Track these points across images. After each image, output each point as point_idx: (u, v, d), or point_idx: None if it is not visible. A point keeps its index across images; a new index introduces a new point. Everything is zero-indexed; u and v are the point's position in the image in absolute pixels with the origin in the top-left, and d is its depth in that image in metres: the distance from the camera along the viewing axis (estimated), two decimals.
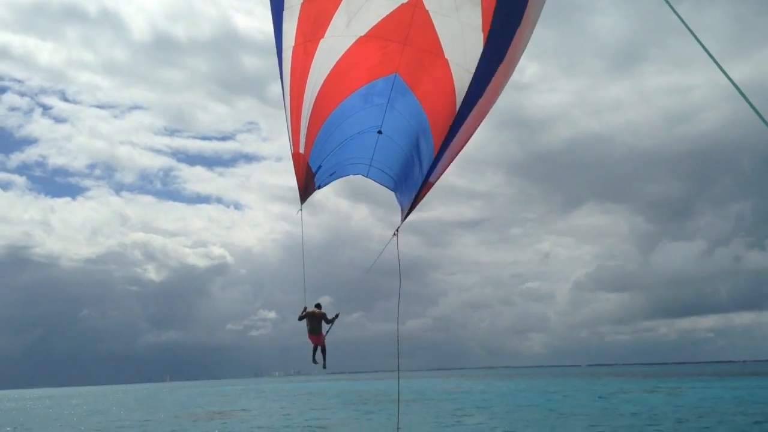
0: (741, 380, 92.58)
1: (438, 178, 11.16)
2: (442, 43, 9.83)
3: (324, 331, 14.33)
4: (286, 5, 9.97)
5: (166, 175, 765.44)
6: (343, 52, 10.23)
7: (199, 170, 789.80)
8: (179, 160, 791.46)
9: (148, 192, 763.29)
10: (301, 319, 14.38)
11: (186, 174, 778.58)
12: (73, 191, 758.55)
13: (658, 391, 65.12)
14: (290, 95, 10.71)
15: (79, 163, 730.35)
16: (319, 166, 11.94)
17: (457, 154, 11.06)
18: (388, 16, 9.73)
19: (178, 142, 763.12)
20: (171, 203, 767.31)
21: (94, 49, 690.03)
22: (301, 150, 11.32)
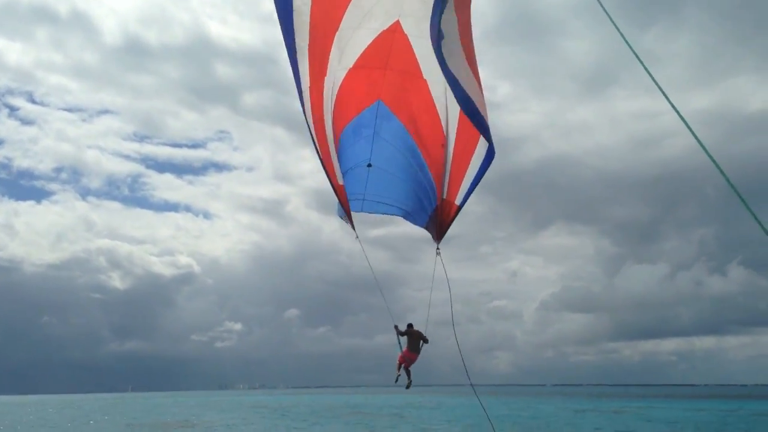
0: (702, 402, 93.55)
1: (458, 197, 11.14)
2: (420, 64, 10.25)
3: (418, 353, 14.19)
4: (297, 48, 10.29)
5: (134, 181, 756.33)
6: (339, 86, 10.69)
7: (168, 177, 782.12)
8: (148, 166, 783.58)
9: (115, 198, 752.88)
10: (403, 335, 14.05)
11: (154, 181, 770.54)
12: (38, 195, 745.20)
13: (624, 412, 65.27)
14: (317, 134, 10.96)
15: (45, 167, 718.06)
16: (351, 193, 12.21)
17: (467, 172, 10.86)
18: (371, 44, 10.24)
19: (148, 149, 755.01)
20: (138, 210, 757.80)
21: (64, 51, 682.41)
22: (340, 181, 11.45)
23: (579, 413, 62.79)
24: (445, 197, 11.37)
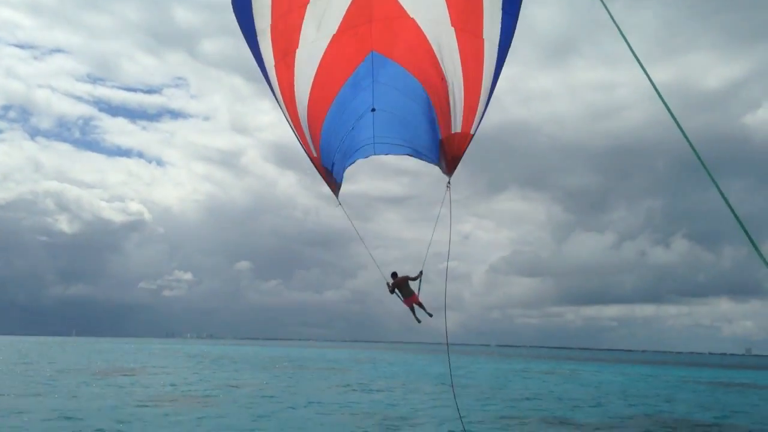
0: (634, 367, 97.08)
1: (473, 125, 11.47)
2: (403, 5, 10.55)
3: (416, 290, 14.74)
4: (257, 30, 10.77)
5: (86, 124, 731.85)
6: (321, 55, 10.96)
7: (121, 122, 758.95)
8: (101, 109, 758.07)
9: (65, 140, 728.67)
10: (392, 292, 14.71)
11: (107, 125, 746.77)
12: None
13: (555, 373, 67.04)
14: (287, 109, 11.41)
15: None
16: (332, 164, 12.48)
17: (481, 96, 11.25)
18: (350, 6, 10.51)
19: (101, 91, 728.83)
20: (89, 153, 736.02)
21: None
22: (314, 153, 11.94)
23: (512, 373, 64.31)
24: (459, 130, 11.51)
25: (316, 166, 12.05)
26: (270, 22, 10.69)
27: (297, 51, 10.85)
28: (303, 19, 10.57)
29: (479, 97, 11.21)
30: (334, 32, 10.73)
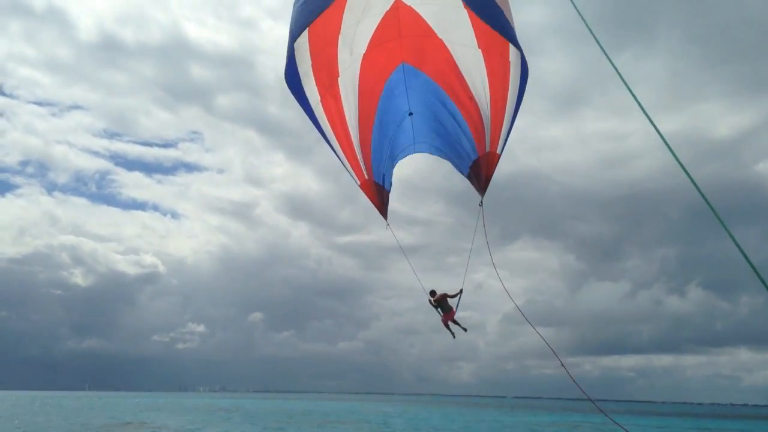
0: (660, 420, 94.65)
1: (499, 145, 11.86)
2: (432, 26, 11.04)
3: (455, 307, 15.23)
4: (301, 75, 11.38)
5: (102, 178, 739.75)
6: (358, 74, 11.58)
7: (137, 176, 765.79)
8: (117, 164, 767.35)
9: (81, 194, 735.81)
10: (436, 307, 15.24)
11: (123, 179, 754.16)
12: (2, 188, 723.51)
13: (583, 426, 65.49)
14: (338, 139, 11.85)
15: (11, 160, 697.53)
16: (383, 175, 12.98)
17: (505, 117, 11.65)
18: (378, 26, 11.10)
19: (118, 146, 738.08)
20: (105, 207, 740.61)
21: (37, 44, 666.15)
22: (366, 176, 12.40)
23: (540, 427, 62.80)
24: (488, 150, 11.95)
25: (365, 190, 12.41)
26: (311, 63, 11.26)
27: (339, 79, 11.45)
28: (337, 48, 11.19)
29: (504, 118, 11.57)
30: (364, 51, 11.34)
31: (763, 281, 5.37)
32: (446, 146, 12.76)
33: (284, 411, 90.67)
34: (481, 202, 12.40)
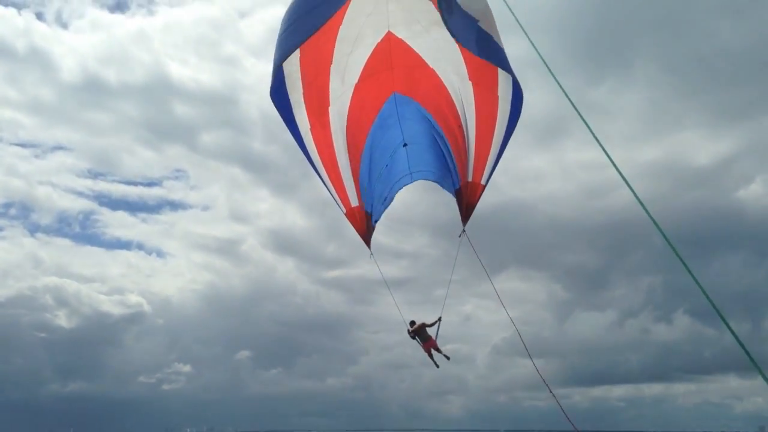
0: None
1: (484, 176, 11.90)
2: (423, 57, 11.24)
3: (434, 336, 15.07)
4: (292, 102, 11.43)
5: (86, 218, 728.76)
6: (349, 104, 11.66)
7: (121, 215, 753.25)
8: (101, 203, 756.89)
9: (65, 235, 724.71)
10: (413, 337, 15.12)
11: (107, 218, 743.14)
12: None
13: None
14: (325, 167, 11.89)
15: None
16: (372, 205, 12.98)
17: (492, 149, 11.71)
18: (370, 56, 11.17)
19: (101, 185, 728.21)
20: (89, 248, 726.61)
21: (20, 86, 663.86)
22: (354, 203, 12.37)
23: None
24: (470, 179, 12.00)
25: (351, 218, 12.27)
26: (302, 91, 11.31)
27: (330, 108, 11.49)
28: (329, 77, 11.24)
29: (490, 150, 11.62)
30: (356, 81, 11.40)
31: (722, 318, 5.37)
32: (440, 171, 12.83)
33: None
34: (463, 231, 12.41)
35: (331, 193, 11.88)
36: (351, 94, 11.55)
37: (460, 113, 11.49)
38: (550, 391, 9.91)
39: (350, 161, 11.93)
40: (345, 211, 12.20)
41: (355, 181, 12.12)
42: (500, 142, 11.54)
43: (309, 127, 11.59)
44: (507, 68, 11.01)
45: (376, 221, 13.09)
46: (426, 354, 14.88)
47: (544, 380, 10.08)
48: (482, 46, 10.65)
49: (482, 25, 10.56)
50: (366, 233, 12.78)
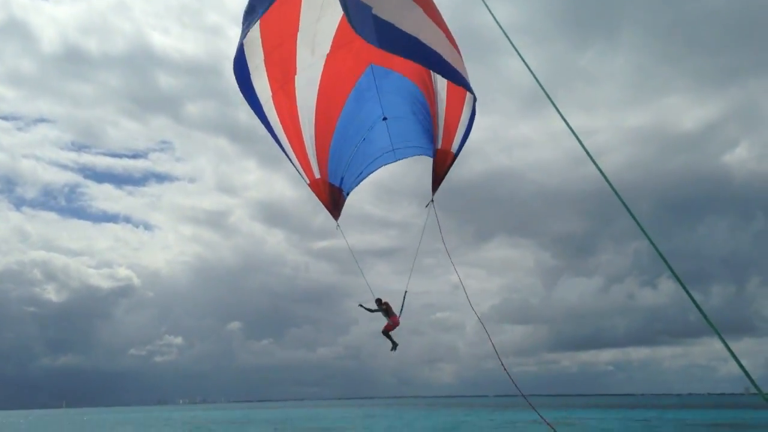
0: (640, 412, 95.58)
1: (454, 143, 11.51)
2: None
3: (398, 313, 14.89)
4: (251, 69, 10.94)
5: (72, 191, 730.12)
6: (320, 75, 11.24)
7: (107, 188, 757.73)
8: (86, 176, 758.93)
9: (51, 209, 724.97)
10: (378, 308, 14.98)
11: (93, 191, 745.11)
12: None
13: (569, 423, 65.71)
14: (287, 136, 11.53)
15: None
16: (342, 178, 12.65)
17: (462, 116, 11.25)
18: (339, 25, 10.58)
19: (86, 158, 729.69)
20: (75, 221, 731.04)
21: (0, 58, 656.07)
22: (317, 175, 12.08)
23: (526, 425, 62.83)
24: (439, 146, 11.73)
25: (315, 189, 12.05)
26: (263, 57, 10.90)
27: (296, 78, 11.12)
28: (296, 46, 10.84)
29: (461, 117, 11.34)
30: (328, 52, 11.00)
31: (677, 277, 5.07)
32: (426, 143, 12.42)
33: (266, 420, 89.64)
34: (432, 201, 12.01)
35: (293, 163, 11.63)
36: (323, 65, 11.16)
37: (432, 81, 11.26)
38: (502, 364, 9.76)
39: (318, 133, 11.67)
40: (308, 182, 11.97)
41: (321, 154, 11.88)
42: (470, 109, 11.23)
43: (270, 94, 11.24)
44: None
45: (347, 193, 12.97)
46: (383, 333, 14.90)
47: (495, 348, 9.82)
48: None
49: None
50: (332, 205, 12.60)
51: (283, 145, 11.65)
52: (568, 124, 6.16)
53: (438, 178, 11.98)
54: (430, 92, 11.50)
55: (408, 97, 11.92)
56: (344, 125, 11.99)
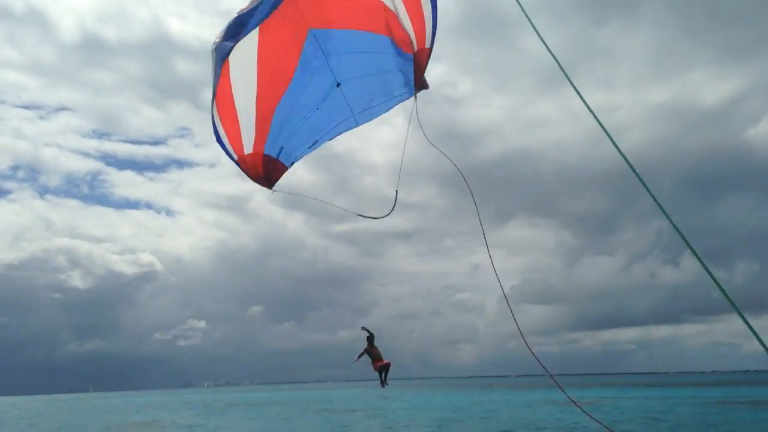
0: (663, 390, 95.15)
1: (426, 40, 10.91)
2: None
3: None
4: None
5: (94, 179, 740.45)
6: (257, 47, 10.74)
7: (128, 175, 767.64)
8: (108, 163, 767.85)
9: (74, 196, 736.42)
10: (361, 355, 15.17)
11: (115, 178, 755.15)
12: None
13: (596, 402, 65.65)
14: (221, 118, 11.18)
15: (1, 165, 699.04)
16: (281, 148, 12.02)
17: (424, 10, 10.78)
18: None
19: (107, 146, 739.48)
20: (98, 208, 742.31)
21: (20, 47, 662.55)
22: (248, 150, 11.52)
23: (552, 405, 62.76)
24: (415, 49, 11.05)
25: (243, 165, 11.55)
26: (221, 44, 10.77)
27: (230, 56, 10.73)
28: (240, 27, 10.58)
29: (423, 13, 10.81)
30: (260, 24, 10.54)
31: (694, 252, 4.98)
32: (387, 86, 11.81)
33: (288, 402, 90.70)
34: (416, 94, 11.54)
35: (222, 143, 11.18)
36: (257, 37, 10.74)
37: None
38: (525, 342, 9.42)
39: (259, 109, 11.25)
40: (236, 158, 11.48)
41: (261, 130, 11.45)
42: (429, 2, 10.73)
43: (216, 82, 10.94)
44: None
45: (291, 163, 12.34)
46: (375, 369, 14.95)
47: (519, 328, 9.49)
48: None
49: None
50: (264, 176, 12.03)
51: (216, 126, 11.30)
52: (585, 103, 6.10)
53: (419, 75, 11.36)
54: (384, 22, 10.97)
55: (360, 52, 11.33)
56: (293, 98, 11.45)
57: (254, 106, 11.37)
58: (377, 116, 12.31)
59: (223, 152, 11.44)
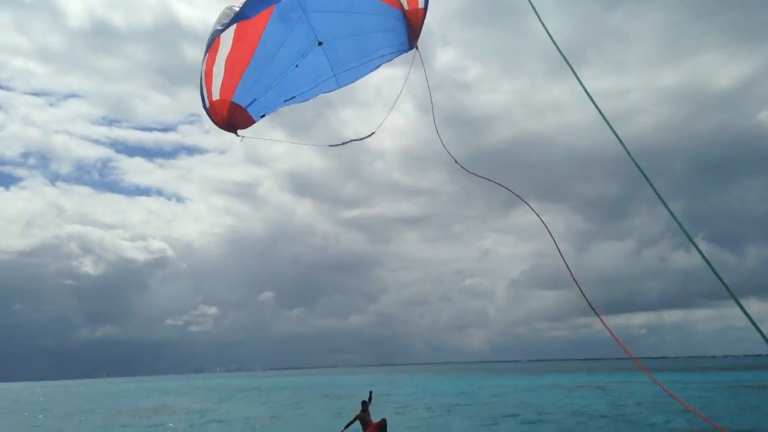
0: (675, 375, 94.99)
1: (421, 1, 10.67)
2: None
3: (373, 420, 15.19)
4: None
5: (104, 165, 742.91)
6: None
7: (138, 161, 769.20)
8: (118, 150, 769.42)
9: (85, 183, 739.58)
10: (350, 424, 15.68)
11: (125, 165, 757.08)
12: (6, 181, 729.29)
13: (608, 388, 65.61)
14: (206, 64, 10.88)
15: (12, 152, 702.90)
16: (254, 100, 11.52)
17: None
18: None
19: (117, 133, 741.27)
20: (109, 195, 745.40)
21: (29, 34, 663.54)
22: (215, 97, 11.13)
23: (569, 390, 62.80)
24: (406, 8, 10.77)
25: (212, 111, 11.22)
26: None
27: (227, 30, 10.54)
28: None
29: None
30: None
31: (694, 243, 4.87)
32: (375, 44, 11.39)
33: (298, 387, 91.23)
34: (416, 47, 11.32)
35: (201, 87, 10.93)
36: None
37: None
38: (601, 321, 8.81)
39: (231, 55, 10.84)
40: (207, 105, 11.07)
41: (231, 78, 11.02)
42: None
43: (208, 47, 10.88)
44: None
45: (261, 115, 11.91)
46: None
47: (592, 306, 8.82)
48: None
49: None
50: (226, 120, 11.60)
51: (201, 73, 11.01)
52: (585, 89, 6.02)
53: (415, 34, 11.11)
54: None
55: (342, 11, 10.83)
56: (268, 49, 10.91)
57: (226, 58, 10.95)
58: (360, 78, 11.88)
59: (205, 113, 11.16)
